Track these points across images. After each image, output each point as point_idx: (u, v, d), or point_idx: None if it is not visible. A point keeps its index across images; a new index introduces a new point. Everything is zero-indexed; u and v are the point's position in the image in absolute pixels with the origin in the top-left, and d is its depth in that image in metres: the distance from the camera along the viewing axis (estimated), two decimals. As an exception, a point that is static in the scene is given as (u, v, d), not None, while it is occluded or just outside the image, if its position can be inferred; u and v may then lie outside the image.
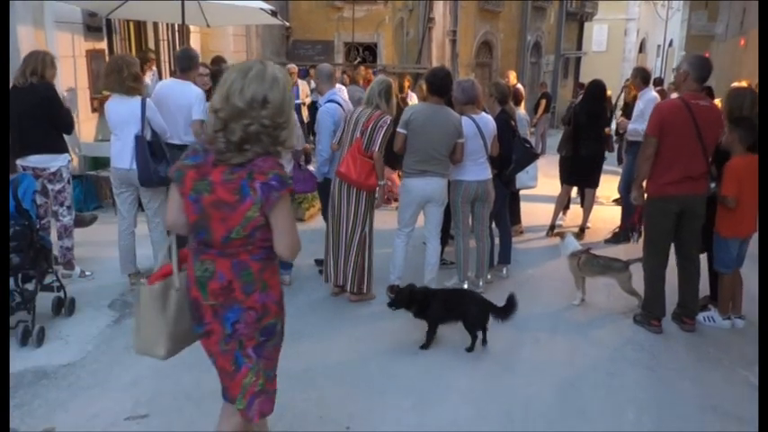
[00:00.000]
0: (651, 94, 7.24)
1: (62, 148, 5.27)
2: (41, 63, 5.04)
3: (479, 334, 4.37)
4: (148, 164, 4.87)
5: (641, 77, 7.34)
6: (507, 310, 4.33)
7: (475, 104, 5.23)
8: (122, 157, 4.95)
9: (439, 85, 4.94)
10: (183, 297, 2.46)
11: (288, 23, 14.06)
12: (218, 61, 8.44)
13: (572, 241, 5.43)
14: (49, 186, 5.24)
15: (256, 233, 2.30)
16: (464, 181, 5.18)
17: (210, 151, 2.30)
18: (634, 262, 5.08)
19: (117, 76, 4.89)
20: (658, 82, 13.38)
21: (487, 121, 5.27)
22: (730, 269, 4.81)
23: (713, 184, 4.73)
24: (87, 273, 5.49)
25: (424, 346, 4.35)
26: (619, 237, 7.18)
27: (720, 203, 4.71)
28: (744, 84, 8.71)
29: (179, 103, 5.15)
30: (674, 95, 9.97)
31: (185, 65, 5.38)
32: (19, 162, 5.08)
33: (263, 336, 2.40)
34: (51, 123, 5.12)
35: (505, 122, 5.70)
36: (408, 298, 4.35)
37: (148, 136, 4.93)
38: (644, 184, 4.84)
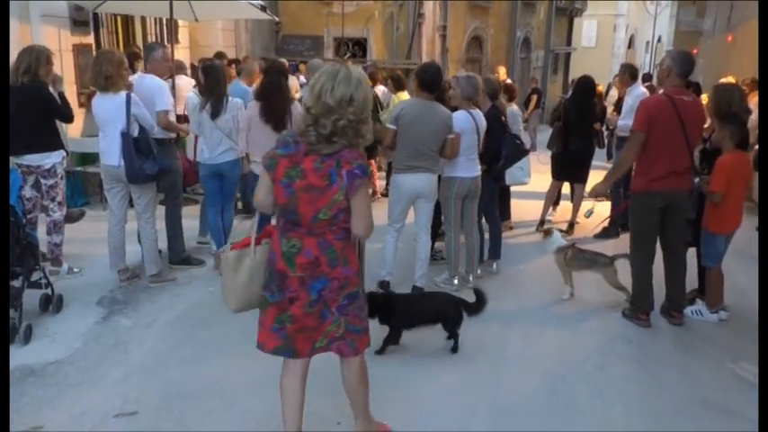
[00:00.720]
0: (640, 89, 7.29)
1: (56, 145, 5.24)
2: (35, 61, 5.00)
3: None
4: (134, 161, 4.84)
5: (630, 73, 7.38)
6: (478, 305, 4.26)
7: (473, 100, 5.25)
8: (110, 154, 4.91)
9: (429, 81, 4.94)
10: (257, 267, 2.82)
11: (277, 18, 14.01)
12: (219, 57, 8.42)
13: (558, 237, 5.45)
14: (42, 181, 5.21)
15: (340, 215, 2.67)
16: (458, 178, 5.18)
17: (301, 143, 2.65)
18: (620, 257, 5.11)
19: (95, 72, 4.91)
20: (647, 78, 13.43)
21: (481, 116, 5.30)
22: (717, 264, 4.85)
23: (697, 179, 4.76)
24: (75, 269, 5.45)
25: (379, 352, 4.13)
26: (608, 232, 7.21)
27: (708, 199, 4.74)
28: (731, 80, 8.79)
29: (142, 95, 5.10)
30: (661, 91, 10.05)
31: (145, 57, 5.48)
32: (14, 160, 5.04)
33: (345, 300, 2.81)
34: (47, 119, 5.09)
35: (496, 118, 5.70)
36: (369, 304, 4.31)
37: (135, 132, 4.89)
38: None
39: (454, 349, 4.25)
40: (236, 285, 2.84)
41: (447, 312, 4.24)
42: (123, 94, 4.86)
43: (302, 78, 11.16)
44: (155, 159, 4.95)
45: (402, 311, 4.21)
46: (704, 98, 8.73)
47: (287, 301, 2.77)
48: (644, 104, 4.75)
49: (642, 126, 4.58)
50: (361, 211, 2.69)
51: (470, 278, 5.48)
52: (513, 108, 7.36)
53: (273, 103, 5.01)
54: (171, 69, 5.85)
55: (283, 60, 11.31)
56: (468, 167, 5.21)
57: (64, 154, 5.34)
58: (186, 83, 7.70)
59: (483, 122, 5.27)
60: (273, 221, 2.90)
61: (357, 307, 2.87)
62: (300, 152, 2.65)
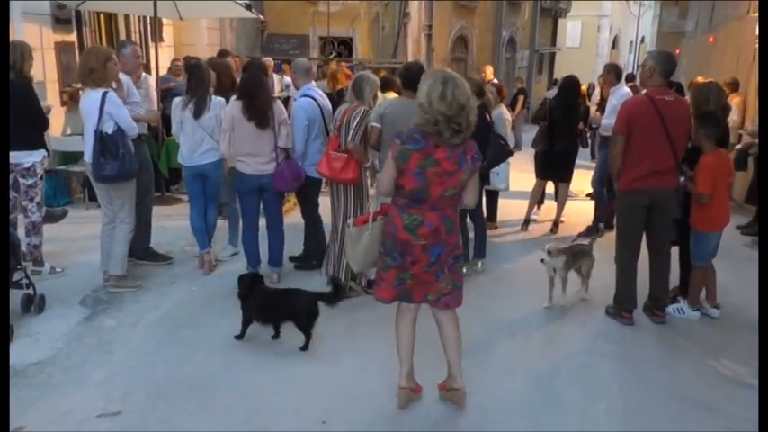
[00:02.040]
0: (623, 90, 7.34)
1: (37, 144, 5.19)
2: (20, 57, 4.97)
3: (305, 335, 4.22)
4: (97, 160, 4.79)
5: (614, 73, 7.43)
6: (334, 295, 4.19)
7: None
8: (87, 150, 4.88)
9: (412, 80, 4.92)
10: (374, 239, 3.48)
11: (262, 17, 13.94)
12: (223, 54, 8.33)
13: (560, 258, 5.13)
14: (21, 181, 5.15)
15: (459, 192, 3.32)
16: None
17: (430, 138, 3.18)
18: (594, 241, 5.34)
19: (81, 68, 4.90)
20: (631, 78, 13.53)
21: None
22: (704, 262, 4.89)
23: (682, 178, 4.80)
24: (58, 269, 5.40)
25: (238, 337, 4.29)
26: (592, 231, 7.26)
27: (694, 200, 4.78)
28: (710, 79, 8.87)
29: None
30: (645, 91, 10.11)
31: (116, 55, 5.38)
32: None
33: (453, 260, 3.42)
34: (27, 119, 5.03)
35: (481, 116, 5.71)
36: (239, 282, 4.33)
37: (109, 129, 4.80)
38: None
39: (304, 348, 4.17)
40: (356, 254, 3.56)
41: (298, 309, 4.18)
42: (101, 91, 4.78)
43: (287, 79, 11.11)
44: (122, 161, 4.80)
45: (256, 304, 4.24)
46: (734, 98, 8.86)
47: (408, 264, 3.34)
48: (624, 106, 4.80)
49: (621, 128, 4.63)
50: (474, 187, 3.39)
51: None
52: (501, 110, 7.37)
53: (255, 100, 4.97)
54: (140, 67, 5.84)
55: (269, 59, 11.30)
56: None
57: (45, 154, 5.28)
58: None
59: None
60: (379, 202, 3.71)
61: (459, 266, 3.52)
62: (431, 145, 3.18)
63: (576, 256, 5.24)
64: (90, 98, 4.81)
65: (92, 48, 5.18)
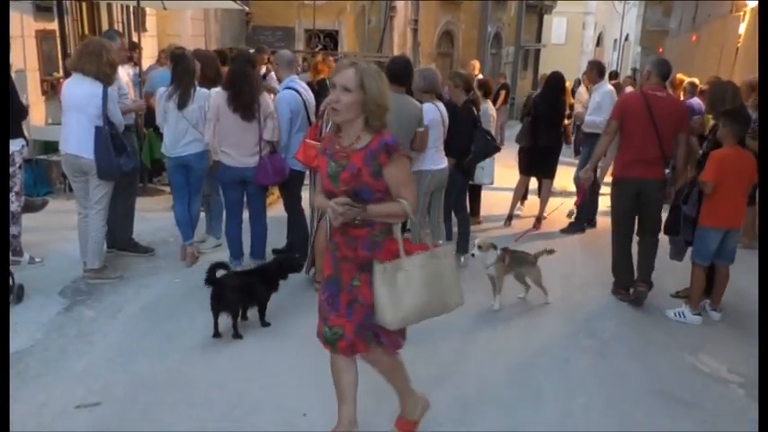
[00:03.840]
0: (606, 87, 7.40)
1: (16, 133, 5.11)
2: None
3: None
4: (111, 157, 4.77)
5: (597, 70, 7.49)
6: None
7: (433, 93, 5.27)
8: (70, 141, 4.81)
9: (398, 74, 4.92)
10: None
11: (248, 9, 13.86)
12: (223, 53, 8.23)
13: (491, 253, 4.97)
14: (-1, 170, 5.08)
15: None
16: (429, 171, 5.18)
17: None
18: (542, 254, 5.11)
19: (95, 59, 4.75)
20: (614, 75, 13.64)
21: (444, 108, 5.34)
22: (706, 261, 4.82)
23: (668, 171, 5.03)
24: (37, 259, 5.34)
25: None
26: (574, 227, 7.32)
27: (700, 190, 4.77)
28: (694, 80, 8.96)
29: None
30: (629, 89, 10.22)
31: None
32: None
33: None
34: (7, 106, 4.96)
35: (469, 111, 5.74)
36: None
37: (102, 124, 4.77)
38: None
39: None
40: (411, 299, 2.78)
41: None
42: (99, 84, 4.76)
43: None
44: (128, 155, 4.91)
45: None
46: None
47: None
48: (621, 98, 5.58)
49: (616, 114, 5.14)
50: None
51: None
52: (487, 105, 7.38)
53: (241, 92, 4.94)
54: (125, 58, 5.79)
55: (264, 49, 11.07)
56: (437, 160, 5.24)
57: (23, 143, 5.21)
58: None
59: (446, 114, 5.32)
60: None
61: None
62: None
63: (516, 261, 5.06)
64: (85, 90, 4.75)
65: (100, 42, 5.03)
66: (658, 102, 4.95)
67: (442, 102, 5.46)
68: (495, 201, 8.12)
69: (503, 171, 9.67)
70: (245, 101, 4.93)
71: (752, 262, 5.04)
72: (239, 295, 4.24)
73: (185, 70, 5.28)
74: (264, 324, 4.41)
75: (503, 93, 15.57)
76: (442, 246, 2.89)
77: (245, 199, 5.39)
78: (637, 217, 5.20)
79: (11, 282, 4.51)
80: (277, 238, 5.83)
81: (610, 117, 5.30)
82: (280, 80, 5.82)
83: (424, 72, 5.34)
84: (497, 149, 6.43)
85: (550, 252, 5.17)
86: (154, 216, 6.64)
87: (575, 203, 6.97)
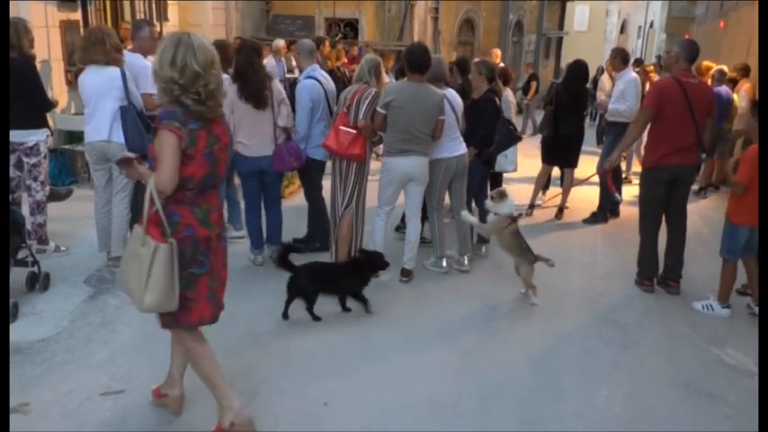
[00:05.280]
0: (630, 74, 7.27)
1: (41, 123, 5.18)
2: (16, 34, 4.91)
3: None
4: (142, 132, 4.78)
5: (621, 58, 7.36)
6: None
7: (441, 81, 5.24)
8: (100, 129, 4.84)
9: (417, 63, 4.89)
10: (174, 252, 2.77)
11: (268, -3, 13.84)
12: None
13: (510, 203, 5.00)
14: (25, 160, 5.15)
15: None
16: (444, 159, 5.17)
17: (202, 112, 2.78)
18: (542, 260, 4.95)
19: (100, 47, 4.78)
20: (638, 63, 13.41)
21: (455, 95, 5.30)
22: (735, 257, 4.77)
23: (704, 155, 5.02)
24: (62, 248, 5.42)
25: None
26: (597, 217, 7.24)
27: (731, 189, 4.76)
28: (723, 68, 8.78)
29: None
30: (654, 76, 10.05)
31: (132, 35, 5.43)
32: None
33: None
34: (33, 96, 5.03)
35: (491, 101, 5.67)
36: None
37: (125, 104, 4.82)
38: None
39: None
40: (158, 277, 2.75)
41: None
42: (116, 68, 4.80)
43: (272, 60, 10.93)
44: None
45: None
46: (746, 83, 8.76)
47: (214, 263, 2.94)
48: (655, 85, 5.44)
49: (652, 102, 5.03)
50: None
51: (465, 261, 5.48)
52: (507, 93, 7.30)
53: (249, 82, 4.94)
54: (155, 48, 5.74)
55: (281, 41, 11.09)
56: (451, 147, 5.19)
57: (48, 133, 5.27)
58: None
59: (458, 100, 5.29)
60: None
61: None
62: (209, 120, 2.82)
63: (519, 242, 4.93)
64: (104, 75, 4.78)
65: (99, 29, 5.05)
66: (692, 88, 4.94)
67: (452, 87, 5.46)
68: (516, 191, 8.00)
69: (525, 161, 9.58)
70: (254, 89, 4.93)
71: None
72: (317, 284, 4.43)
73: None
74: (347, 309, 4.58)
75: (534, 84, 15.38)
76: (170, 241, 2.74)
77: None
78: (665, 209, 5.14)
79: (37, 270, 4.58)
80: (297, 227, 5.85)
81: (644, 104, 5.21)
82: (301, 69, 5.80)
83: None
84: (519, 139, 6.36)
85: (551, 264, 4.97)
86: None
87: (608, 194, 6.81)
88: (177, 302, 2.80)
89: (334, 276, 4.58)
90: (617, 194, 6.79)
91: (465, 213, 5.24)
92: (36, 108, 5.13)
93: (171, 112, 2.73)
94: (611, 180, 6.34)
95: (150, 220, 2.75)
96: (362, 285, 4.55)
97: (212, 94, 2.78)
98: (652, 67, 11.37)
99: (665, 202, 5.15)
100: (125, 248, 3.03)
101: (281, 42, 10.85)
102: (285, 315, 4.41)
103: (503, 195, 5.02)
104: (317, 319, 4.41)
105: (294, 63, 10.54)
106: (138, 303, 2.79)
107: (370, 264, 4.61)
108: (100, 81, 4.79)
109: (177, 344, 3.17)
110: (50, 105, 5.35)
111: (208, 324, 3.00)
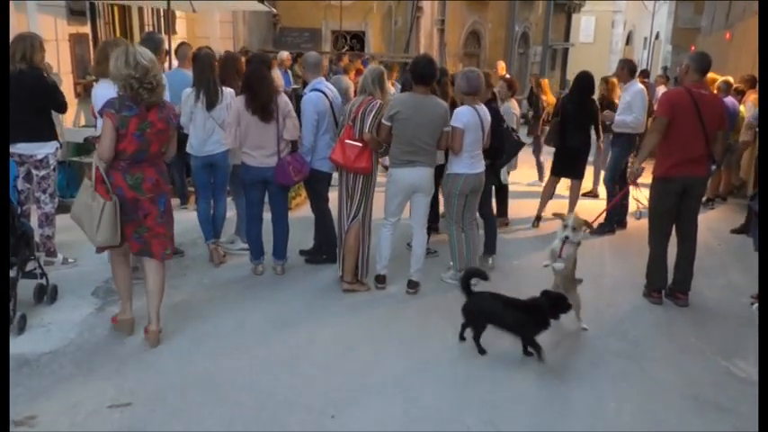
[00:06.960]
0: (637, 86, 7.27)
1: (50, 136, 5.22)
2: (30, 48, 4.97)
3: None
4: None
5: (628, 69, 7.36)
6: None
7: (477, 96, 5.17)
8: None
9: (422, 74, 4.89)
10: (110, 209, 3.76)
11: (275, 10, 13.96)
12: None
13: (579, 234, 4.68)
14: (34, 172, 5.18)
15: (167, 147, 3.98)
16: (464, 174, 5.11)
17: (141, 103, 3.69)
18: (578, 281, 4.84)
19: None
20: (645, 74, 13.41)
21: (486, 112, 5.18)
22: None
23: (714, 167, 4.95)
24: (70, 260, 5.43)
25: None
26: (604, 228, 7.22)
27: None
28: (729, 79, 8.77)
29: (173, 89, 5.10)
30: (661, 88, 10.03)
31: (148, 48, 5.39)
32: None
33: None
34: (44, 109, 5.07)
35: (495, 111, 5.66)
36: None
37: None
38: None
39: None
40: (106, 224, 3.76)
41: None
42: None
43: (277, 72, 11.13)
44: None
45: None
46: (751, 94, 8.71)
47: (141, 218, 3.87)
48: (666, 95, 5.48)
49: (665, 111, 5.01)
50: (174, 140, 4.05)
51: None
52: (511, 103, 7.30)
53: (258, 94, 4.96)
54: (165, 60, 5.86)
55: (285, 53, 11.28)
56: (473, 164, 5.13)
57: (57, 145, 5.31)
58: None
59: (488, 118, 5.17)
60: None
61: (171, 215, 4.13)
62: (143, 110, 3.70)
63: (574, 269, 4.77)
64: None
65: (115, 43, 5.10)
66: (703, 99, 4.94)
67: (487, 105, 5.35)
68: (522, 202, 8.05)
69: (530, 172, 9.58)
70: (262, 102, 4.95)
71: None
72: (487, 316, 4.22)
73: (202, 68, 5.33)
74: (528, 353, 4.18)
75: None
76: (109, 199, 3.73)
77: (266, 199, 5.41)
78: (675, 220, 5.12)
79: (45, 282, 4.60)
80: (304, 239, 5.85)
81: (658, 114, 5.16)
82: (306, 82, 5.82)
83: (467, 74, 5.14)
84: (522, 145, 6.36)
85: (579, 281, 4.84)
86: (183, 217, 6.70)
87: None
88: (119, 239, 3.82)
89: (509, 313, 4.17)
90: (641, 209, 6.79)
91: (556, 264, 4.69)
92: (46, 120, 5.16)
93: (110, 101, 3.70)
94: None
95: (97, 179, 3.74)
96: (539, 329, 4.14)
97: (159, 82, 3.72)
98: (661, 80, 11.39)
99: (674, 213, 5.13)
100: (76, 195, 3.92)
101: (284, 54, 11.22)
102: (461, 337, 4.34)
103: (581, 223, 4.67)
104: (482, 351, 4.18)
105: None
106: (92, 241, 3.83)
107: (553, 307, 4.21)
108: (112, 94, 4.81)
109: (116, 267, 4.14)
110: (65, 106, 5.38)
111: (135, 254, 4.11)
